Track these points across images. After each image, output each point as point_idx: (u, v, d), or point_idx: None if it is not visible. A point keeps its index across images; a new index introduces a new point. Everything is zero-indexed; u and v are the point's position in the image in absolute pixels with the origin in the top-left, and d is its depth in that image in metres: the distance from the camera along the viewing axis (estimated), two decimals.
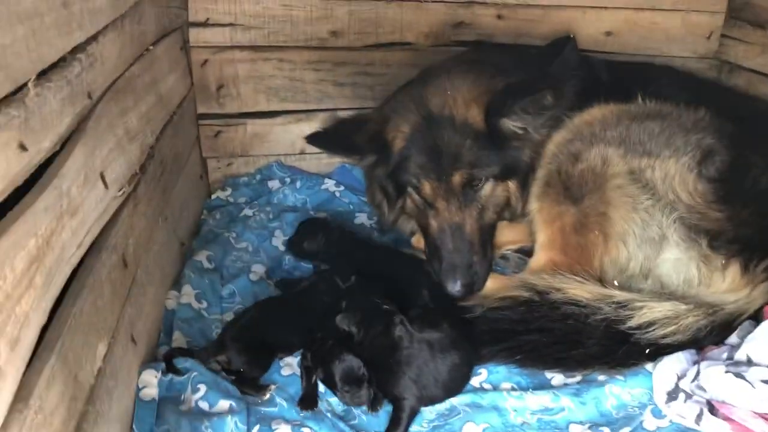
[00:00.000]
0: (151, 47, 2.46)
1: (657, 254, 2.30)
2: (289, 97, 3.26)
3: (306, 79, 3.22)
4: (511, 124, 2.43)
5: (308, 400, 2.00)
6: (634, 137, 2.40)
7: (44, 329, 1.37)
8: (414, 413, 1.96)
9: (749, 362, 1.96)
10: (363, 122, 2.62)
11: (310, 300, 2.33)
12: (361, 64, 3.24)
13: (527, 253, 2.60)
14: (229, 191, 3.25)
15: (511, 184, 2.57)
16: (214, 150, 3.30)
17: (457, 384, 2.03)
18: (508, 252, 2.70)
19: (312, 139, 2.62)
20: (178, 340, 2.17)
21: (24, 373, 1.26)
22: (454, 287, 2.37)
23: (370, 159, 2.60)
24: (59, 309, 1.48)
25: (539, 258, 2.46)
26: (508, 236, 2.71)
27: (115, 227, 1.87)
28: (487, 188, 2.50)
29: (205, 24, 3.06)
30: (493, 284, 2.46)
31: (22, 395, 1.24)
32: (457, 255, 2.41)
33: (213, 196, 3.23)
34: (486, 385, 2.08)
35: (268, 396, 2.01)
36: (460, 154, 2.42)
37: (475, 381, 2.08)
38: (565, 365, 2.10)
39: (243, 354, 2.07)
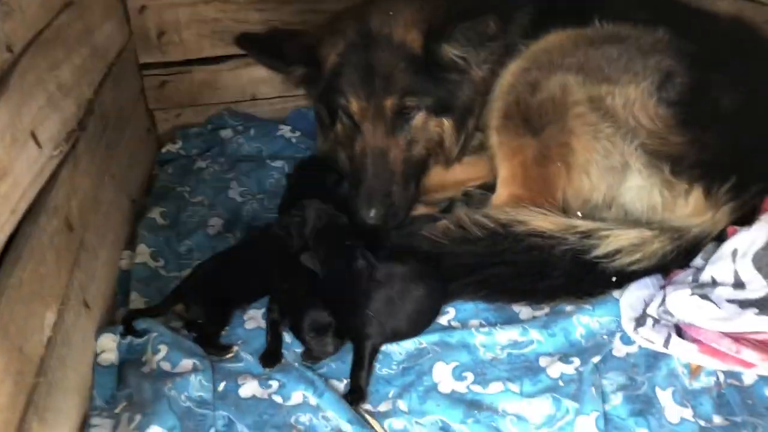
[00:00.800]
0: None
1: (620, 183, 2.27)
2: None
3: (251, 20, 3.07)
4: (451, 51, 2.33)
5: (272, 356, 1.94)
6: (592, 63, 2.33)
7: None
8: (375, 350, 1.91)
9: (714, 283, 1.97)
10: (300, 35, 2.52)
11: (267, 247, 2.25)
12: (309, 1, 3.09)
13: (490, 188, 2.55)
14: (179, 143, 3.12)
15: (446, 122, 2.48)
16: (160, 101, 3.17)
17: (423, 318, 2.00)
18: (471, 189, 2.65)
19: (241, 41, 2.49)
20: (136, 301, 2.10)
21: None
22: (368, 214, 2.29)
23: (298, 71, 2.48)
24: None
25: (501, 193, 2.41)
26: (469, 173, 2.66)
27: (54, 189, 1.76)
28: (419, 119, 2.42)
29: None
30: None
31: None
32: (376, 181, 2.33)
33: (163, 150, 3.10)
34: (454, 323, 2.05)
35: (232, 355, 1.95)
36: (393, 76, 2.32)
37: (443, 319, 2.05)
38: (532, 297, 2.09)
39: (201, 304, 2.02)
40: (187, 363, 1.85)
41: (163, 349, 1.87)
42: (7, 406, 1.31)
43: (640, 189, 2.24)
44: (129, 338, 1.94)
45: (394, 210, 2.35)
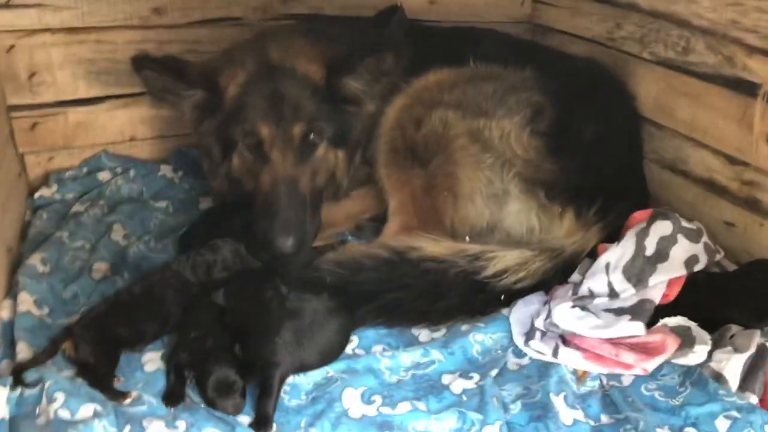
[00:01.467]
0: None
1: (501, 208, 2.45)
2: (112, 80, 3.04)
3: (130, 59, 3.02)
4: (352, 84, 2.46)
5: (175, 396, 1.90)
6: (470, 99, 2.53)
7: None
8: (283, 379, 1.91)
9: (591, 295, 2.16)
10: (194, 64, 2.53)
11: (162, 290, 2.19)
12: (188, 41, 3.08)
13: (380, 220, 2.65)
14: (54, 188, 2.97)
15: (340, 154, 2.58)
16: (31, 144, 3.01)
17: (334, 351, 2.04)
18: (362, 221, 2.73)
19: (138, 60, 2.43)
20: (23, 351, 1.96)
21: None
22: (286, 242, 2.27)
23: (197, 95, 2.45)
24: None
25: (393, 223, 2.53)
26: (359, 206, 2.75)
27: None
28: (321, 150, 2.49)
29: (6, 5, 2.77)
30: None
31: None
32: (292, 211, 2.34)
33: (36, 195, 2.93)
34: (359, 351, 2.10)
35: (129, 401, 1.88)
36: (301, 105, 2.39)
37: (347, 349, 2.10)
38: (430, 318, 2.18)
39: (90, 342, 1.94)
40: (87, 409, 1.75)
41: (60, 397, 1.76)
42: None
43: (519, 213, 2.44)
44: (19, 390, 1.82)
45: (306, 237, 2.38)
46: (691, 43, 2.53)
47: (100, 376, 1.89)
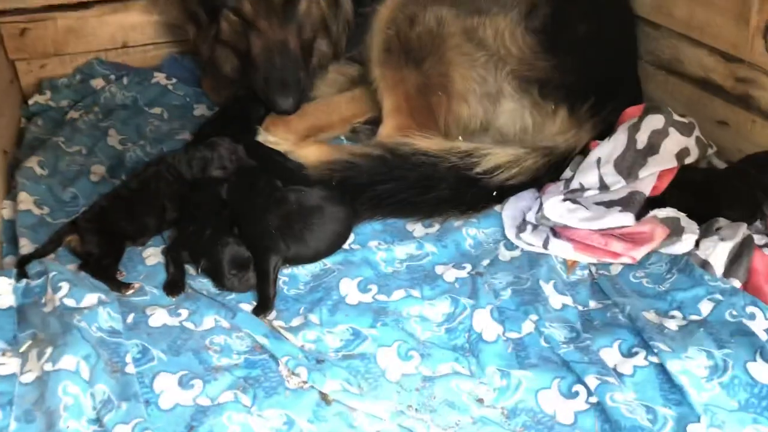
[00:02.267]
0: None
1: (495, 107, 2.46)
2: None
3: None
4: None
5: (175, 286, 1.96)
6: None
7: None
8: (277, 264, 1.97)
9: (582, 189, 2.20)
10: None
11: (157, 183, 2.23)
12: None
13: (375, 123, 2.65)
14: (48, 94, 2.96)
15: (322, 1, 2.60)
16: (21, 50, 2.98)
17: (338, 242, 2.09)
18: (357, 124, 2.74)
19: None
20: (26, 246, 2.02)
21: None
22: (286, 102, 2.45)
23: None
24: None
25: (387, 124, 2.53)
26: (353, 109, 2.74)
27: None
28: (303, 4, 2.53)
29: None
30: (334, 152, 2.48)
31: None
32: (286, 72, 2.47)
33: (31, 101, 2.92)
34: (355, 246, 2.15)
35: (132, 292, 1.94)
36: None
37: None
38: (421, 209, 2.24)
39: (95, 234, 2.01)
40: (91, 297, 1.82)
41: (65, 287, 1.82)
42: None
43: (513, 112, 2.44)
44: (24, 281, 1.88)
45: (303, 95, 2.50)
46: None
47: (104, 266, 1.95)
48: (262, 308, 1.86)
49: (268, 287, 1.90)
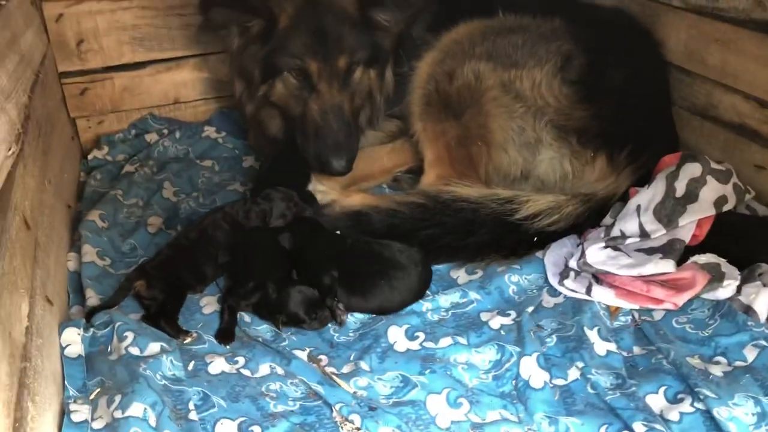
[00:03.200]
0: (3, 2, 2.32)
1: (534, 156, 2.54)
2: (155, 46, 3.17)
3: (172, 25, 3.14)
4: (381, 15, 2.62)
5: (226, 334, 2.05)
6: (500, 51, 2.59)
7: None
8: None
9: (623, 236, 2.25)
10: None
11: (214, 231, 2.35)
12: None
13: (417, 173, 2.75)
14: (105, 149, 3.13)
15: (372, 73, 2.75)
16: (81, 109, 3.17)
17: (413, 298, 2.17)
18: (399, 174, 2.84)
19: (205, 1, 2.58)
20: (92, 297, 2.13)
21: None
22: (340, 163, 2.55)
23: (258, 25, 2.60)
24: None
25: (429, 174, 2.63)
26: (394, 159, 2.85)
27: (13, 188, 1.80)
28: (358, 73, 2.68)
29: None
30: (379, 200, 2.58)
31: None
32: (341, 134, 2.58)
33: (90, 156, 3.10)
34: None
35: (189, 340, 2.04)
36: (342, 38, 2.56)
37: None
38: (462, 254, 2.33)
39: (161, 281, 2.13)
40: (155, 346, 1.92)
41: (130, 336, 1.93)
42: (7, 386, 1.37)
43: (552, 160, 2.52)
44: (92, 331, 1.99)
45: (355, 156, 2.62)
46: None
47: (168, 313, 2.07)
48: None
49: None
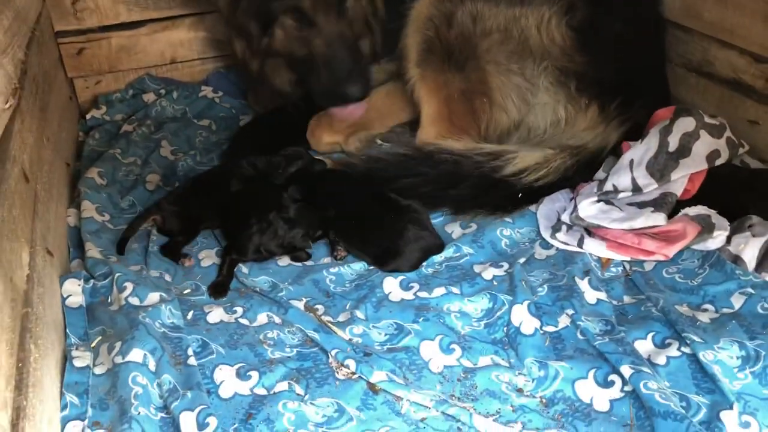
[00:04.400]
0: None
1: (529, 104, 2.54)
2: (151, 4, 3.16)
3: None
4: None
5: (219, 288, 2.09)
6: None
7: None
8: None
9: (615, 190, 2.27)
10: None
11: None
12: None
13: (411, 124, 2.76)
14: (103, 109, 3.15)
15: (364, 0, 2.71)
16: (79, 69, 3.17)
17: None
18: (396, 127, 2.84)
19: None
20: (92, 250, 2.17)
21: None
22: (356, 88, 2.51)
23: None
24: None
25: (428, 132, 2.61)
26: (390, 105, 2.83)
27: (11, 140, 1.82)
28: (350, 2, 2.61)
29: None
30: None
31: None
32: (351, 62, 2.53)
33: (88, 116, 3.12)
34: None
35: (188, 264, 2.20)
36: None
37: None
38: (442, 204, 2.36)
39: (177, 217, 2.29)
40: (154, 296, 1.96)
41: (129, 286, 1.97)
42: (9, 328, 1.41)
43: (546, 106, 2.53)
44: (92, 282, 2.03)
45: (368, 79, 2.60)
46: None
47: (177, 242, 2.25)
48: None
49: None
